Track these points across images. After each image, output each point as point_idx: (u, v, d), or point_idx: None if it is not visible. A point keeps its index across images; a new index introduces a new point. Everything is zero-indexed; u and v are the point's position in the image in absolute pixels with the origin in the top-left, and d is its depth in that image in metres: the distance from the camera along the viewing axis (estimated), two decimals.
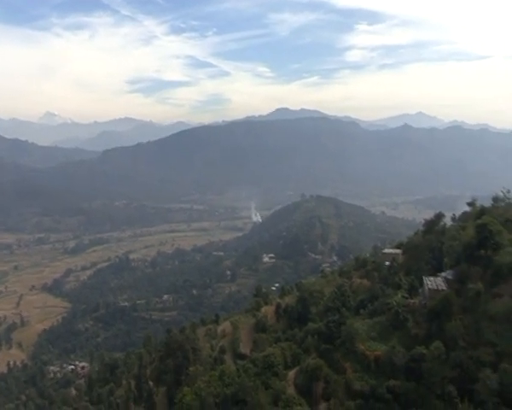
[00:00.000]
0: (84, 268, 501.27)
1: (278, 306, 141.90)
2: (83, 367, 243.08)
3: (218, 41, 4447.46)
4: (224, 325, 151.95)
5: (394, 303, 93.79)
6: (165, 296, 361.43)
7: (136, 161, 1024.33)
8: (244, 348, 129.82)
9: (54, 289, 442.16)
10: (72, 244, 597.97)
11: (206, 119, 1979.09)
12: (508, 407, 64.37)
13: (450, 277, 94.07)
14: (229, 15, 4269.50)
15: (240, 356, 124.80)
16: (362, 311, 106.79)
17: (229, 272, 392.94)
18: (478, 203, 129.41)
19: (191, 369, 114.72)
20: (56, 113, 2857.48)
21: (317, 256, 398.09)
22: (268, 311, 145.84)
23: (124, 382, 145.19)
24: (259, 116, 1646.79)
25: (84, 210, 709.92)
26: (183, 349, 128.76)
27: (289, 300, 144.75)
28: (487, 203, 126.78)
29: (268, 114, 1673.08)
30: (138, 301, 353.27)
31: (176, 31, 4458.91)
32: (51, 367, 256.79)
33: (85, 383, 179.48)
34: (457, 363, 74.45)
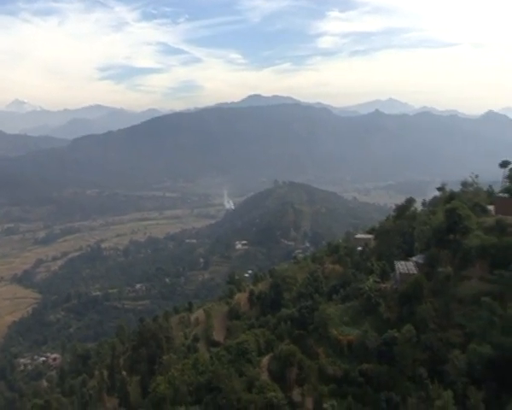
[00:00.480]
0: (54, 258, 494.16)
1: (251, 293, 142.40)
2: (54, 359, 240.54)
3: (189, 27, 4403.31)
4: (198, 313, 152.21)
5: (366, 288, 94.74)
6: (138, 285, 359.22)
7: (107, 148, 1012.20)
8: (217, 336, 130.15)
9: (24, 280, 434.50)
10: (42, 234, 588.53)
11: (178, 106, 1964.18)
12: (475, 386, 65.60)
13: (420, 261, 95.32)
14: (200, 2, 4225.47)
15: (213, 344, 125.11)
16: (334, 296, 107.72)
17: (202, 260, 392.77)
18: (447, 188, 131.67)
19: (164, 358, 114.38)
20: (25, 100, 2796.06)
21: (289, 242, 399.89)
22: (241, 298, 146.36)
23: (96, 372, 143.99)
24: (232, 103, 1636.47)
25: (55, 199, 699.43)
26: (157, 338, 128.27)
27: (262, 286, 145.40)
28: (456, 188, 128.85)
29: (240, 101, 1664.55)
30: (110, 291, 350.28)
31: (147, 17, 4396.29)
32: (21, 360, 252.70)
33: (57, 374, 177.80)
34: (428, 345, 75.69)
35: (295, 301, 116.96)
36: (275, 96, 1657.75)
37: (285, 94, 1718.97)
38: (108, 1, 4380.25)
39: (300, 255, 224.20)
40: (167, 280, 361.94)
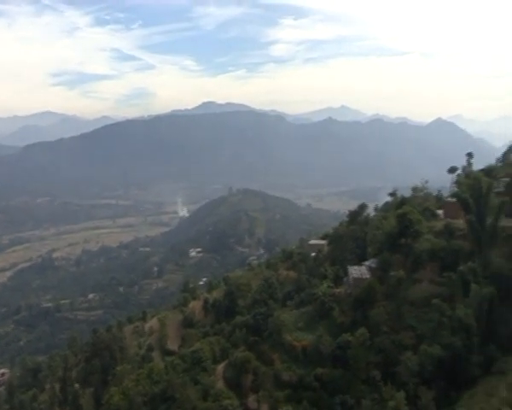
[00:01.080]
0: (3, 269, 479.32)
1: (206, 300, 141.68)
2: (2, 374, 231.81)
3: (143, 34, 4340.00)
4: (152, 322, 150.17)
5: (320, 293, 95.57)
6: (91, 295, 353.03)
7: (59, 156, 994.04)
8: (172, 345, 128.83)
9: None
10: None
11: (132, 113, 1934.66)
12: (426, 386, 67.24)
13: (373, 265, 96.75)
14: (154, 8, 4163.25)
15: (168, 353, 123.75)
16: (289, 302, 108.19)
17: (156, 268, 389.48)
18: (398, 194, 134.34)
19: (118, 368, 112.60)
20: None
21: (244, 249, 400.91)
22: (196, 306, 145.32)
23: (48, 386, 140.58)
24: (185, 110, 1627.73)
25: (3, 208, 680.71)
26: (110, 349, 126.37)
27: (217, 294, 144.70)
28: (407, 193, 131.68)
29: (194, 108, 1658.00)
30: (62, 302, 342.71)
31: (100, 23, 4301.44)
32: None
33: (6, 390, 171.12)
34: (381, 348, 77.04)
35: (250, 307, 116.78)
36: (229, 104, 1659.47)
37: (239, 101, 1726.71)
38: (59, 5, 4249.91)
39: (255, 262, 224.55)
40: (121, 289, 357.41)
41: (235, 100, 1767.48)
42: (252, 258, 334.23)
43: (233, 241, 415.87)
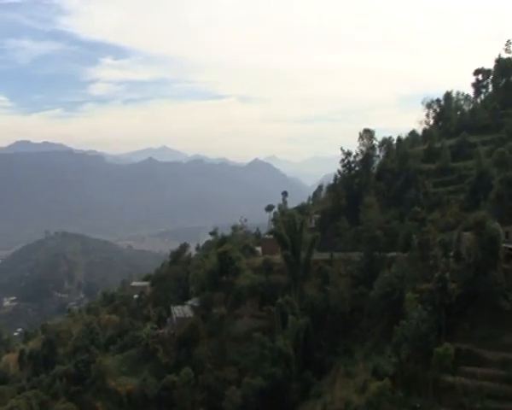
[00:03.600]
0: None
1: (22, 352, 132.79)
2: None
3: None
4: None
5: (144, 335, 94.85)
6: None
7: None
8: None
9: None
10: None
11: None
12: None
13: (196, 304, 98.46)
14: None
15: None
16: (112, 347, 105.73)
17: None
18: (219, 232, 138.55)
19: None
20: None
21: (63, 295, 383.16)
22: (10, 359, 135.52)
23: None
24: None
25: None
26: None
27: (34, 344, 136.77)
28: (228, 232, 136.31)
29: (7, 147, 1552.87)
30: None
31: None
32: None
33: None
34: (206, 385, 78.48)
35: (71, 355, 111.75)
36: (45, 143, 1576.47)
37: (57, 141, 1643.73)
38: None
39: (75, 308, 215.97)
40: None
41: (53, 139, 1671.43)
42: (72, 303, 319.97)
43: (51, 287, 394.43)
